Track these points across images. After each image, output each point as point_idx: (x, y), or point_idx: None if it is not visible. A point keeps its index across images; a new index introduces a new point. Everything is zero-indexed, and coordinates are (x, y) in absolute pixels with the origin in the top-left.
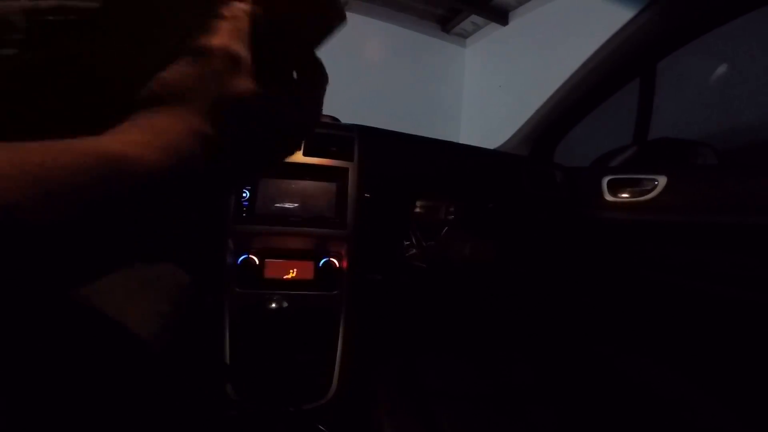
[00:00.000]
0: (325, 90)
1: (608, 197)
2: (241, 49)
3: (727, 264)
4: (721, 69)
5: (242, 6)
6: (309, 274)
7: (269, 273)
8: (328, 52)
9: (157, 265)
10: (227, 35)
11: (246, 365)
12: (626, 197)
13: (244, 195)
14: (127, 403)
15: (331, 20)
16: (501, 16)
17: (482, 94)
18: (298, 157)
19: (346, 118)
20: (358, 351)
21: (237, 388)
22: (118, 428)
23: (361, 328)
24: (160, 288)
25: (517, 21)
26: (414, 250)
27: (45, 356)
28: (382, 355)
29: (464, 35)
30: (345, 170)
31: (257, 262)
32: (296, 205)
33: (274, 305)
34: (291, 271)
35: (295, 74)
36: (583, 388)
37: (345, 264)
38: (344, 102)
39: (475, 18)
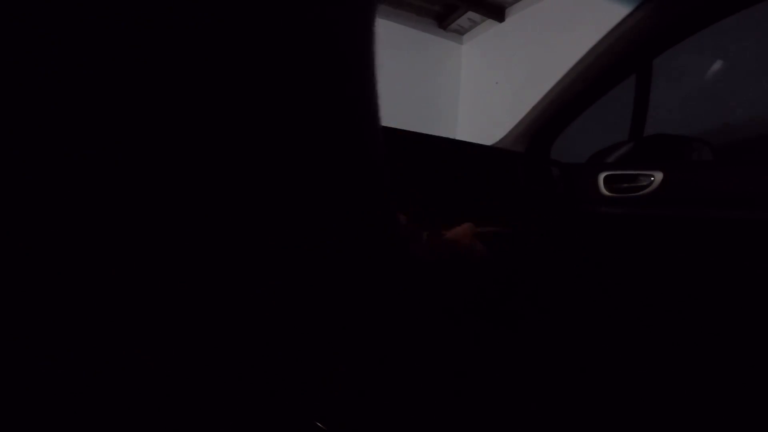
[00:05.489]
0: None
1: (605, 192)
2: None
3: (723, 259)
4: (717, 65)
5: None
6: None
7: None
8: None
9: None
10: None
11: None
12: (622, 193)
13: None
14: (125, 400)
15: None
16: (497, 13)
17: (479, 91)
18: None
19: None
20: (355, 346)
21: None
22: (118, 425)
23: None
24: None
25: (513, 17)
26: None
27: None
28: (379, 349)
29: (461, 32)
30: None
31: None
32: None
33: None
34: None
35: None
36: (580, 385)
37: None
38: None
39: (471, 14)
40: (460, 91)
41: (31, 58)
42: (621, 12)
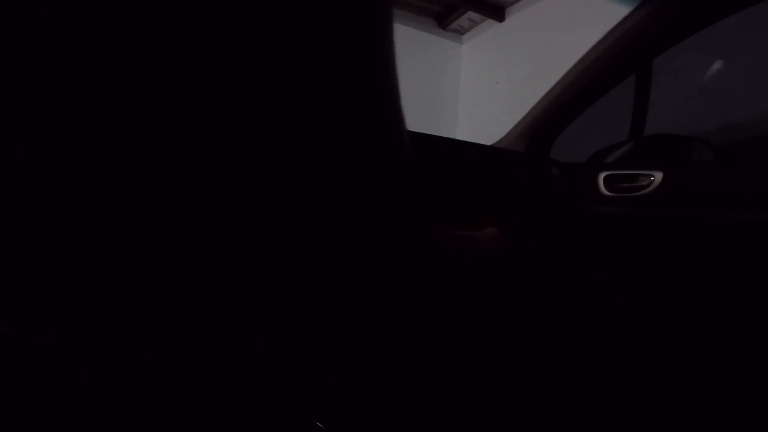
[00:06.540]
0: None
1: (605, 192)
2: None
3: (724, 259)
4: (717, 65)
5: None
6: None
7: None
8: None
9: None
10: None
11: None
12: (622, 193)
13: None
14: (125, 400)
15: None
16: (497, 13)
17: (479, 91)
18: None
19: None
20: (355, 345)
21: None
22: (118, 425)
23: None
24: None
25: (513, 17)
26: None
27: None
28: (380, 349)
29: (461, 32)
30: None
31: None
32: None
33: None
34: None
35: None
36: (580, 384)
37: None
38: None
39: (471, 14)
40: (460, 91)
41: (32, 58)
42: (621, 12)
